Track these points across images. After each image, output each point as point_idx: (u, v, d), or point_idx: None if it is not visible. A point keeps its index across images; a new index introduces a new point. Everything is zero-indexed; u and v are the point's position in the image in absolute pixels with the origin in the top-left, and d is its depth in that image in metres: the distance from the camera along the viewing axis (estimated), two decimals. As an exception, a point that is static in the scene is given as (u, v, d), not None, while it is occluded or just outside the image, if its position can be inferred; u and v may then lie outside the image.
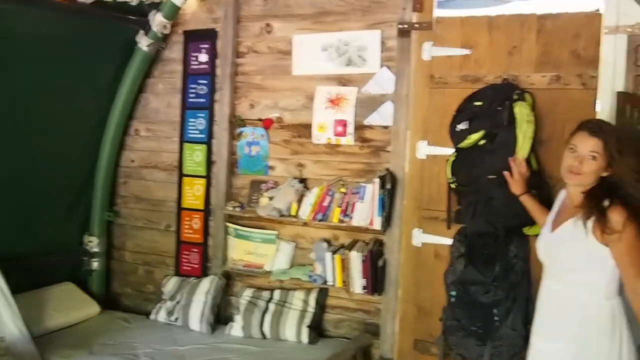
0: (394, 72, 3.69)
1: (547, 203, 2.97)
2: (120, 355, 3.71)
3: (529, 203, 2.95)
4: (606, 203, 2.31)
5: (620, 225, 2.25)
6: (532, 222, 3.06)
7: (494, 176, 3.11)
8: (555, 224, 2.55)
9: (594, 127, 2.42)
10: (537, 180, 3.11)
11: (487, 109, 3.15)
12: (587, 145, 2.36)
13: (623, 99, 2.98)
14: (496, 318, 3.16)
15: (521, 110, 3.07)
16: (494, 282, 3.16)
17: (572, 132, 2.50)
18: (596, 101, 3.11)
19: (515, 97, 3.12)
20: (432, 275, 3.56)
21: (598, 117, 3.07)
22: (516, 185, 2.99)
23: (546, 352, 2.54)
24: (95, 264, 4.76)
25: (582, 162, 2.37)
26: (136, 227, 4.81)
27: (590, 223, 2.32)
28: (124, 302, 4.89)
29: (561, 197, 2.66)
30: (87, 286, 4.72)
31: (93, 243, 4.74)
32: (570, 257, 2.43)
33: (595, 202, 2.34)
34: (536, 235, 3.10)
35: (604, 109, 3.07)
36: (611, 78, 3.07)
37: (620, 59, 3.05)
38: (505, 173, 3.01)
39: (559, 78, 3.20)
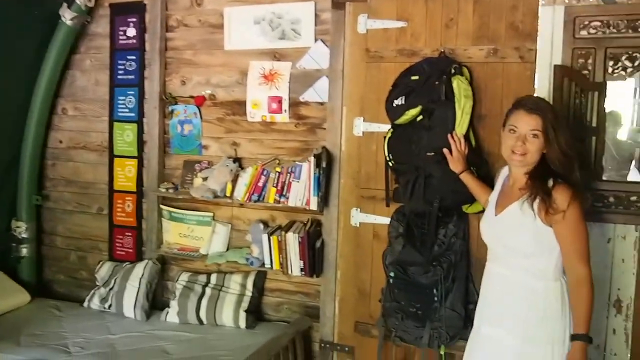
0: (329, 46, 3.54)
1: (486, 180, 2.91)
2: (48, 346, 3.53)
3: (469, 181, 2.88)
4: (550, 183, 2.28)
5: (565, 204, 2.22)
6: (471, 200, 2.99)
7: (432, 153, 3.02)
8: (500, 207, 2.48)
9: (531, 104, 2.37)
10: (475, 158, 3.03)
11: (424, 84, 3.04)
12: (527, 124, 2.32)
13: (560, 72, 2.89)
14: (435, 299, 3.09)
15: (459, 85, 2.98)
16: (433, 262, 3.08)
17: (508, 111, 2.45)
18: (535, 75, 3.03)
19: (452, 71, 3.02)
20: (371, 255, 3.47)
21: (536, 92, 3.00)
22: (455, 163, 2.91)
23: (493, 338, 2.48)
24: (24, 251, 4.52)
25: (524, 141, 2.32)
26: (67, 211, 4.58)
27: (536, 205, 2.28)
28: (56, 289, 4.67)
29: (502, 176, 2.60)
30: (16, 274, 4.48)
31: (21, 228, 4.50)
32: (518, 241, 2.37)
33: (539, 183, 2.30)
34: (476, 214, 3.06)
35: (542, 83, 2.99)
36: (549, 51, 2.98)
37: (558, 31, 2.96)
38: (445, 150, 2.93)
39: (497, 51, 3.11)
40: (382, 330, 3.31)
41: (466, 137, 2.99)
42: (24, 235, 4.50)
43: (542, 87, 2.97)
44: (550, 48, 2.97)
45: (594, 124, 2.89)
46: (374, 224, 3.45)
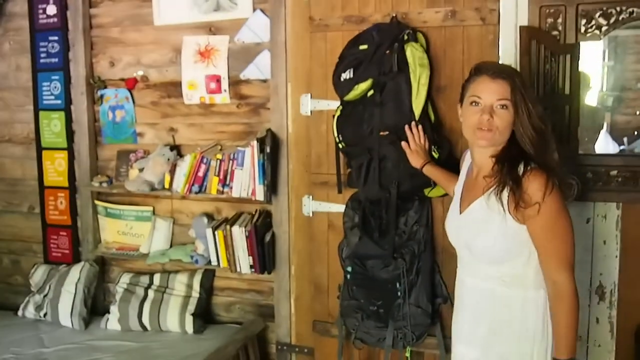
0: (269, 16, 3.15)
1: (449, 163, 2.58)
2: (-31, 367, 3.15)
3: (434, 173, 2.51)
4: (521, 168, 1.84)
5: (539, 195, 1.77)
6: (433, 183, 2.65)
7: (386, 132, 2.67)
8: (464, 202, 2.05)
9: (494, 69, 1.94)
10: (436, 135, 2.70)
11: (374, 54, 2.68)
12: (494, 92, 1.87)
13: (527, 34, 2.56)
14: (398, 294, 2.76)
15: (413, 53, 2.63)
16: (393, 254, 2.75)
17: (466, 80, 2.03)
18: (498, 39, 2.69)
19: (405, 37, 2.67)
20: (326, 248, 3.13)
21: (501, 58, 2.68)
22: (415, 158, 2.55)
23: (466, 358, 2.09)
24: (-51, 257, 4.10)
25: (491, 114, 1.87)
26: (-5, 211, 4.15)
27: (505, 197, 1.84)
28: (-10, 296, 4.26)
29: (466, 163, 2.17)
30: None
31: (-57, 233, 4.07)
32: (486, 244, 1.93)
33: (508, 168, 1.85)
34: (440, 197, 2.74)
35: (507, 47, 2.67)
36: (513, 10, 2.66)
37: (524, -13, 2.63)
38: (403, 144, 2.58)
39: (455, 13, 2.75)
40: (342, 330, 2.98)
41: (424, 111, 2.65)
42: (-53, 241, 4.08)
43: (508, 51, 2.66)
44: (514, 7, 2.65)
45: (566, 91, 2.58)
46: (328, 213, 3.10)
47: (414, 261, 2.75)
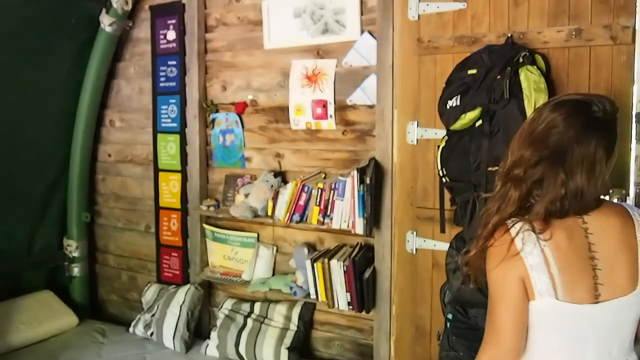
0: (377, 38, 2.97)
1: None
2: (77, 379, 3.23)
3: None
4: None
5: None
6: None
7: (495, 167, 2.37)
8: None
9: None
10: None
11: (483, 79, 2.41)
12: None
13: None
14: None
15: (527, 77, 2.33)
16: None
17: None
18: (634, 60, 2.34)
19: (520, 60, 2.37)
20: (430, 288, 2.88)
21: (637, 81, 2.31)
22: None
23: None
24: (75, 270, 4.28)
25: None
26: (117, 228, 4.29)
27: None
28: (109, 310, 4.42)
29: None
30: (69, 294, 4.26)
31: (72, 247, 4.26)
32: None
33: None
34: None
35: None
36: (651, 28, 2.29)
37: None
38: None
39: (580, 32, 2.42)
40: (441, 382, 2.70)
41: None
42: (75, 254, 4.27)
43: (644, 75, 2.28)
44: (653, 24, 2.28)
45: None
46: (432, 250, 2.85)
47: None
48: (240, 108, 3.50)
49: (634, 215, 1.51)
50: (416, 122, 2.85)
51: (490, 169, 2.38)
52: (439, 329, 2.78)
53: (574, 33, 2.43)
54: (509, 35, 2.51)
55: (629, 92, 2.35)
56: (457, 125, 2.47)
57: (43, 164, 4.07)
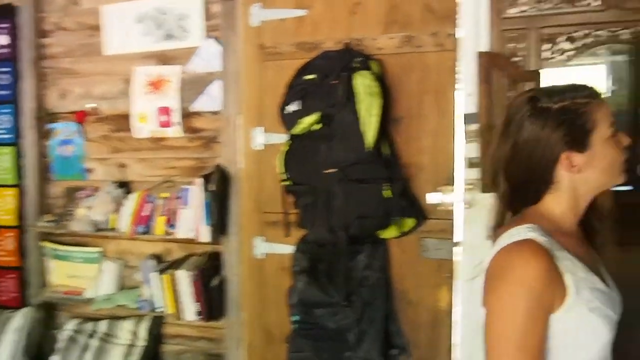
0: (221, 43, 2.96)
1: (401, 199, 2.33)
2: None
3: None
4: None
5: None
6: (387, 224, 2.41)
7: (333, 170, 2.43)
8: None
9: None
10: (389, 172, 2.46)
11: (320, 84, 2.48)
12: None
13: (487, 61, 2.33)
14: (349, 346, 2.49)
15: (362, 82, 2.42)
16: (343, 302, 2.48)
17: (582, 105, 1.28)
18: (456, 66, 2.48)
19: (355, 65, 2.46)
20: (279, 293, 2.86)
21: (459, 85, 2.44)
22: None
23: None
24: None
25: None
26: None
27: None
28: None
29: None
30: None
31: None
32: None
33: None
34: (395, 238, 2.49)
35: (467, 75, 2.43)
36: (473, 36, 2.43)
37: (483, 11, 2.41)
38: None
39: (411, 39, 2.56)
40: (292, 386, 2.69)
41: (377, 145, 2.42)
42: None
43: (467, 80, 2.41)
44: (474, 32, 2.42)
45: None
46: (280, 255, 2.86)
47: (365, 309, 2.48)
48: (81, 117, 3.34)
49: None
50: (262, 128, 2.85)
51: (326, 171, 2.44)
52: (288, 333, 2.79)
53: (405, 40, 2.55)
54: (347, 41, 2.60)
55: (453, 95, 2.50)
56: (297, 129, 2.51)
57: None
